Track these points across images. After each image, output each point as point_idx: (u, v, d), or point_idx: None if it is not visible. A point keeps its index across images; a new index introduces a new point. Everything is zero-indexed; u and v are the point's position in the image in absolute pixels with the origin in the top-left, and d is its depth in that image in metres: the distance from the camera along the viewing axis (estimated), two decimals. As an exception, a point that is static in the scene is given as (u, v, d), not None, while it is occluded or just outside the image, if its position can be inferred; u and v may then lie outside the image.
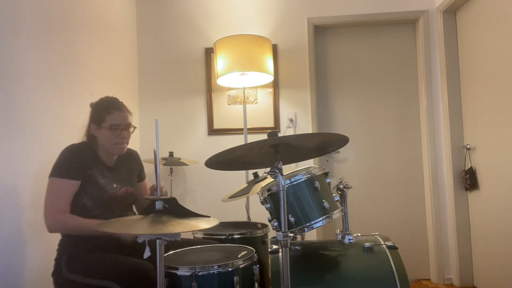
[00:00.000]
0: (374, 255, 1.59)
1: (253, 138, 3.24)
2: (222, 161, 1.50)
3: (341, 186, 1.67)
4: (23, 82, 1.92)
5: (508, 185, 2.53)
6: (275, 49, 3.32)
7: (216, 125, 3.35)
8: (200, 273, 1.43)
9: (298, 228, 1.53)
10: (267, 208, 1.62)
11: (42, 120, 2.07)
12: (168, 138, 3.37)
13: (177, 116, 3.39)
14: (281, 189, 1.34)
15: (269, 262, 1.61)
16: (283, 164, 1.46)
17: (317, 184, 1.55)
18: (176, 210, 1.34)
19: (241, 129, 3.29)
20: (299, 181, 1.55)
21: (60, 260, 1.73)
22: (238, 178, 3.29)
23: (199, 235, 2.10)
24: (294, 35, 3.34)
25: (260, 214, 3.18)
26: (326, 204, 1.53)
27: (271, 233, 2.15)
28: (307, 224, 1.52)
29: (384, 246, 1.64)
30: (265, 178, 2.04)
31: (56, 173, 1.71)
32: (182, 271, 1.44)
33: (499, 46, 2.59)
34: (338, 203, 1.62)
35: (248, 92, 3.33)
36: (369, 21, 3.32)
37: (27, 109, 1.95)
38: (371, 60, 3.40)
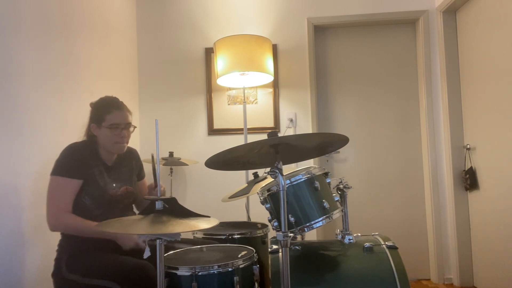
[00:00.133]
0: (374, 255, 1.59)
1: (253, 138, 3.24)
2: (222, 161, 1.50)
3: (341, 186, 1.67)
4: (23, 82, 1.92)
5: (508, 185, 2.53)
6: (275, 49, 3.32)
7: (216, 125, 3.35)
8: (200, 273, 1.43)
9: (298, 228, 1.53)
10: (267, 208, 1.62)
11: (42, 120, 2.07)
12: (168, 138, 3.37)
13: (177, 116, 3.39)
14: (281, 189, 1.34)
15: (269, 262, 1.61)
16: (283, 164, 1.46)
17: (317, 184, 1.55)
18: (176, 210, 1.34)
19: (241, 129, 3.29)
20: (299, 181, 1.55)
21: (60, 260, 1.73)
22: (238, 178, 3.29)
23: (199, 235, 2.10)
24: (294, 35, 3.34)
25: (260, 214, 3.18)
26: (326, 204, 1.53)
27: (271, 233, 2.14)
28: (307, 224, 1.52)
29: (384, 246, 1.64)
30: (265, 178, 2.04)
31: (58, 171, 1.71)
32: (182, 271, 1.44)
33: (499, 46, 2.59)
34: (338, 203, 1.62)
35: (248, 92, 3.33)
36: (369, 21, 3.32)
37: (27, 109, 1.95)
38: (371, 60, 3.40)
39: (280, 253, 1.44)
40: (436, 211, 3.19)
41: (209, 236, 2.07)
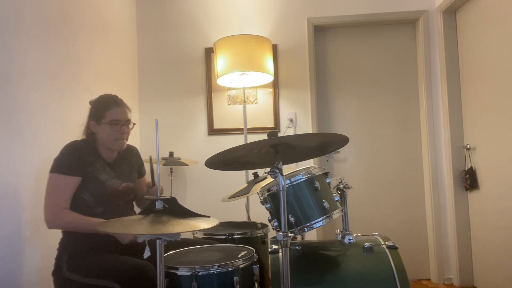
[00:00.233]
0: (374, 255, 1.59)
1: (253, 138, 3.24)
2: (222, 161, 1.50)
3: (341, 186, 1.67)
4: (23, 82, 1.93)
5: (508, 185, 2.53)
6: (275, 49, 3.32)
7: (216, 125, 3.35)
8: (200, 273, 1.43)
9: (298, 228, 1.53)
10: (267, 208, 1.62)
11: (42, 120, 2.07)
12: (168, 138, 3.37)
13: (177, 116, 3.39)
14: (281, 189, 1.34)
15: (269, 262, 1.61)
16: (283, 164, 1.46)
17: (317, 184, 1.55)
18: (176, 210, 1.34)
19: (241, 129, 3.29)
20: (299, 181, 1.55)
21: (60, 260, 1.73)
22: (238, 178, 3.29)
23: (199, 235, 2.10)
24: (294, 35, 3.34)
25: (260, 214, 3.18)
26: (326, 204, 1.53)
27: (271, 233, 2.15)
28: (307, 224, 1.52)
29: (384, 246, 1.64)
30: (265, 178, 2.04)
31: (57, 169, 1.71)
32: (182, 271, 1.44)
33: (499, 46, 2.59)
34: (338, 203, 1.62)
35: (248, 92, 3.33)
36: (369, 21, 3.32)
37: (27, 109, 1.95)
38: (371, 60, 3.40)
39: (280, 253, 1.44)
40: (436, 211, 3.19)
41: (209, 236, 2.07)
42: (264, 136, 3.26)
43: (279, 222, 1.55)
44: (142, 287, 1.52)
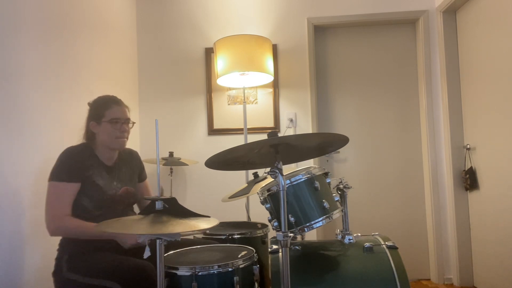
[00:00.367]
0: (374, 255, 1.59)
1: (253, 138, 3.24)
2: (222, 161, 1.50)
3: (341, 186, 1.67)
4: (23, 82, 1.93)
5: (508, 185, 2.53)
6: (275, 49, 3.32)
7: (216, 125, 3.35)
8: (200, 273, 1.43)
9: (298, 228, 1.53)
10: (267, 208, 1.62)
11: (42, 120, 2.07)
12: (168, 138, 3.37)
13: (177, 116, 3.39)
14: (281, 189, 1.34)
15: (269, 262, 1.61)
16: (283, 164, 1.46)
17: (317, 184, 1.55)
18: (176, 210, 1.34)
19: (241, 129, 3.29)
20: (299, 181, 1.55)
21: (60, 260, 1.73)
22: (238, 178, 3.29)
23: (199, 235, 2.10)
24: (294, 35, 3.34)
25: (260, 214, 3.18)
26: (326, 204, 1.53)
27: (271, 233, 2.15)
28: (307, 224, 1.52)
29: (384, 246, 1.64)
30: (265, 178, 2.04)
31: (55, 177, 1.71)
32: (182, 271, 1.44)
33: (499, 46, 2.59)
34: (338, 203, 1.62)
35: (248, 92, 3.33)
36: (369, 21, 3.32)
37: (27, 109, 1.95)
38: (371, 60, 3.40)
39: (280, 253, 1.44)
40: (436, 211, 3.19)
41: (209, 236, 2.07)
42: (264, 136, 3.26)
43: (279, 222, 1.55)
44: (142, 287, 1.52)
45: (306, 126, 3.30)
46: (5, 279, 1.75)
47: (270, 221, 1.61)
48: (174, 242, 1.35)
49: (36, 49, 2.04)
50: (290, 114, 3.31)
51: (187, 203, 3.31)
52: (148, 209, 1.34)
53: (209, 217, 1.38)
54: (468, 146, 3.02)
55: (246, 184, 2.15)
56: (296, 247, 1.69)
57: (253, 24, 3.37)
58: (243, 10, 3.38)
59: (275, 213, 1.59)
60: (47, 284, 1.94)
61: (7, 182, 1.80)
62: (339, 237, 1.65)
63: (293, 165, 3.02)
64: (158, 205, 1.33)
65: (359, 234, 1.68)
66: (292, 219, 1.53)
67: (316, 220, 1.52)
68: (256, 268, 1.55)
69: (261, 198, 1.64)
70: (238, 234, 2.07)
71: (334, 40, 3.43)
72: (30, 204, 1.94)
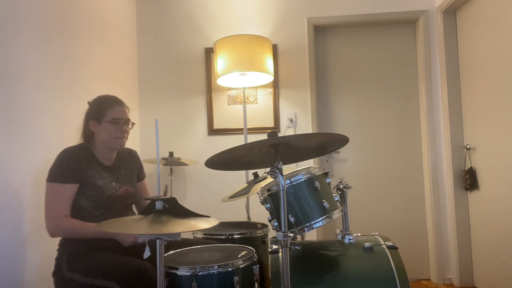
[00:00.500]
0: (374, 255, 1.59)
1: (253, 138, 3.24)
2: (222, 161, 1.50)
3: (341, 186, 1.67)
4: (23, 82, 1.93)
5: (508, 185, 2.53)
6: (275, 49, 3.32)
7: (216, 125, 3.35)
8: (200, 273, 1.43)
9: (298, 228, 1.53)
10: (267, 208, 1.62)
11: (42, 120, 2.07)
12: (168, 138, 3.37)
13: (177, 116, 3.39)
14: (281, 189, 1.34)
15: (269, 262, 1.61)
16: (283, 164, 1.46)
17: (317, 184, 1.55)
18: (176, 210, 1.34)
19: (241, 129, 3.29)
20: (299, 181, 1.55)
21: (60, 260, 1.73)
22: (238, 178, 3.29)
23: (199, 235, 2.10)
24: (294, 35, 3.34)
25: (260, 214, 3.18)
26: (326, 204, 1.53)
27: (271, 233, 2.15)
28: (307, 224, 1.52)
29: (384, 246, 1.64)
30: (265, 178, 2.04)
31: (54, 178, 1.71)
32: (182, 271, 1.44)
33: (499, 46, 2.59)
34: (338, 203, 1.62)
35: (248, 92, 3.33)
36: (369, 21, 3.32)
37: (27, 109, 1.95)
38: (371, 60, 3.40)
39: (280, 253, 1.44)
40: (436, 211, 3.19)
41: (209, 236, 2.07)
42: (264, 136, 3.26)
43: (279, 222, 1.55)
44: (142, 287, 1.52)
45: (306, 126, 3.30)
46: (5, 278, 1.75)
47: (270, 221, 1.61)
48: (174, 242, 1.35)
49: (36, 49, 2.04)
50: (290, 114, 3.31)
51: (187, 203, 3.31)
52: (148, 209, 1.34)
53: (209, 217, 1.38)
54: (468, 146, 3.02)
55: (246, 184, 2.15)
56: (296, 247, 1.69)
57: (253, 24, 3.37)
58: (243, 10, 3.38)
59: (275, 213, 1.59)
60: (47, 284, 1.94)
61: (7, 182, 1.80)
62: (339, 237, 1.65)
63: (293, 165, 3.02)
64: (158, 205, 1.33)
65: (359, 234, 1.68)
66: (292, 219, 1.53)
67: (316, 220, 1.52)
68: (256, 268, 1.55)
69: (261, 198, 1.64)
70: (238, 234, 2.06)
71: (334, 40, 3.43)
72: (30, 204, 1.94)
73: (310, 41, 3.30)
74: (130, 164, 1.97)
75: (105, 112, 1.81)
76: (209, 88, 3.36)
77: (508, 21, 2.48)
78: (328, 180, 1.65)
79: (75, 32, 2.43)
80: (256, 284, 1.55)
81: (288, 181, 1.54)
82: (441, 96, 3.23)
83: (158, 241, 1.28)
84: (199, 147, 3.36)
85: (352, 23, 3.34)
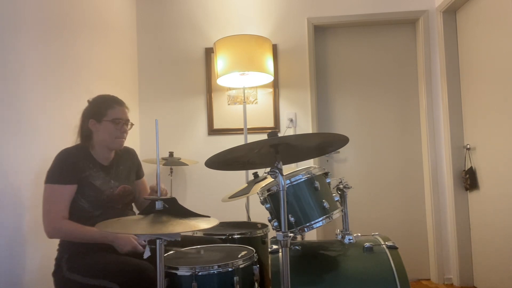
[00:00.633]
0: (374, 255, 1.59)
1: (253, 138, 3.24)
2: (222, 161, 1.49)
3: (341, 186, 1.67)
4: (23, 82, 1.93)
5: (508, 185, 2.53)
6: (275, 49, 3.32)
7: (216, 125, 3.35)
8: (200, 273, 1.43)
9: (298, 228, 1.53)
10: (267, 208, 1.62)
11: (42, 120, 2.07)
12: (168, 138, 3.37)
13: (177, 116, 3.39)
14: (281, 189, 1.34)
15: (269, 262, 1.61)
16: (283, 164, 1.46)
17: (317, 184, 1.55)
18: (176, 210, 1.34)
19: (241, 129, 3.29)
20: (299, 181, 1.55)
21: (60, 260, 1.73)
22: (238, 178, 3.29)
23: (199, 235, 2.10)
24: (294, 35, 3.34)
25: (260, 214, 3.18)
26: (326, 204, 1.53)
27: (271, 233, 2.15)
28: (307, 224, 1.52)
29: (384, 246, 1.64)
30: (265, 178, 2.04)
31: (51, 179, 1.71)
32: (182, 271, 1.44)
33: (499, 46, 2.59)
34: (338, 203, 1.62)
35: (248, 92, 3.33)
36: (369, 21, 3.32)
37: (27, 109, 1.95)
38: (371, 60, 3.40)
39: (280, 253, 1.44)
40: (436, 211, 3.19)
41: (209, 237, 2.07)
42: (264, 136, 3.26)
43: (279, 222, 1.55)
44: (142, 287, 1.52)
45: (306, 126, 3.30)
46: (5, 278, 1.75)
47: (270, 221, 1.61)
48: (174, 242, 1.35)
49: (36, 49, 2.04)
50: (290, 114, 3.31)
51: (187, 203, 3.31)
52: (148, 209, 1.34)
53: (209, 217, 1.38)
54: (468, 146, 3.02)
55: (246, 184, 2.15)
56: (296, 247, 1.69)
57: (253, 24, 3.37)
58: (243, 10, 3.38)
59: (275, 213, 1.59)
60: (48, 284, 1.94)
61: (7, 182, 1.80)
62: (339, 237, 1.65)
63: (293, 165, 3.02)
64: (158, 205, 1.33)
65: (359, 234, 1.68)
66: (292, 219, 1.53)
67: (316, 220, 1.52)
68: (256, 268, 1.55)
69: (261, 198, 1.64)
70: (238, 234, 2.06)
71: (334, 40, 3.43)
72: (30, 203, 1.94)
73: (310, 41, 3.30)
74: (127, 162, 1.97)
75: (105, 112, 1.81)
76: (209, 88, 3.36)
77: (508, 21, 2.48)
78: (328, 180, 1.65)
79: (75, 32, 2.43)
80: (256, 284, 1.55)
81: (288, 181, 1.54)
82: (441, 96, 3.23)
83: (158, 241, 1.28)
84: (199, 147, 3.36)
85: (352, 23, 3.34)
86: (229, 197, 2.08)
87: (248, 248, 1.67)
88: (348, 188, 1.67)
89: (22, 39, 1.93)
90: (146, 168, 2.17)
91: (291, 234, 1.36)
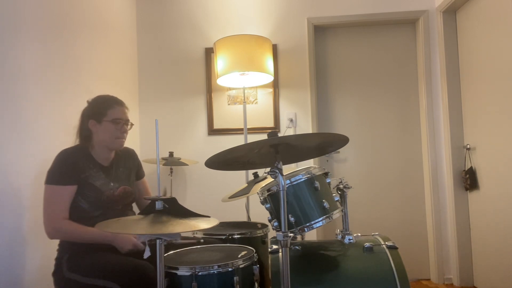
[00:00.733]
0: (374, 255, 1.59)
1: (253, 138, 3.24)
2: (222, 161, 1.49)
3: (341, 186, 1.67)
4: (23, 82, 1.92)
5: (508, 185, 2.53)
6: (275, 49, 3.32)
7: (216, 125, 3.35)
8: (200, 273, 1.43)
9: (298, 228, 1.53)
10: (267, 208, 1.62)
11: (42, 120, 2.07)
12: (168, 138, 3.37)
13: (177, 116, 3.39)
14: (281, 189, 1.34)
15: (269, 262, 1.61)
16: (283, 164, 1.46)
17: (317, 184, 1.55)
18: (176, 210, 1.34)
19: (241, 129, 3.29)
20: (299, 181, 1.55)
21: (60, 260, 1.73)
22: (238, 178, 3.29)
23: (199, 235, 2.10)
24: (294, 35, 3.34)
25: (260, 214, 3.18)
26: (326, 204, 1.53)
27: (271, 233, 2.15)
28: (307, 224, 1.52)
29: (384, 246, 1.64)
30: (265, 178, 2.04)
31: (51, 180, 1.71)
32: (182, 271, 1.44)
33: (499, 46, 2.59)
34: (338, 203, 1.62)
35: (248, 92, 3.33)
36: (369, 21, 3.32)
37: (27, 109, 1.95)
38: (371, 60, 3.40)
39: (280, 253, 1.44)
40: (436, 211, 3.19)
41: (209, 236, 2.07)
42: (264, 136, 3.26)
43: (279, 222, 1.55)
44: (142, 287, 1.52)
45: (306, 126, 3.30)
46: (5, 278, 1.75)
47: (270, 221, 1.61)
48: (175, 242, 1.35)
49: (36, 49, 2.04)
50: (290, 114, 3.31)
51: (187, 203, 3.31)
52: (148, 209, 1.34)
53: (209, 217, 1.38)
54: (468, 146, 3.02)
55: (246, 184, 2.15)
56: (296, 247, 1.69)
57: (253, 24, 3.37)
58: (243, 10, 3.38)
59: (275, 213, 1.59)
60: (47, 284, 1.94)
61: (7, 182, 1.80)
62: (339, 237, 1.65)
63: (293, 165, 3.02)
64: (158, 205, 1.33)
65: (359, 234, 1.67)
66: (292, 219, 1.53)
67: (316, 220, 1.52)
68: (256, 268, 1.55)
69: (261, 198, 1.64)
70: (238, 234, 2.06)
71: (334, 40, 3.43)
72: (30, 203, 1.94)
73: (310, 41, 3.30)
74: (127, 162, 1.97)
75: (106, 112, 1.81)
76: (209, 88, 3.36)
77: (508, 21, 2.48)
78: (328, 180, 1.65)
79: (75, 32, 2.43)
80: (256, 284, 1.55)
81: (288, 181, 1.54)
82: (441, 96, 3.23)
83: (158, 241, 1.28)
84: (199, 147, 3.36)
85: (352, 23, 3.34)
86: (229, 197, 2.07)
87: (248, 248, 1.67)
88: (348, 188, 1.67)
89: (22, 39, 1.93)
90: (146, 168, 2.17)
91: (291, 234, 1.36)
